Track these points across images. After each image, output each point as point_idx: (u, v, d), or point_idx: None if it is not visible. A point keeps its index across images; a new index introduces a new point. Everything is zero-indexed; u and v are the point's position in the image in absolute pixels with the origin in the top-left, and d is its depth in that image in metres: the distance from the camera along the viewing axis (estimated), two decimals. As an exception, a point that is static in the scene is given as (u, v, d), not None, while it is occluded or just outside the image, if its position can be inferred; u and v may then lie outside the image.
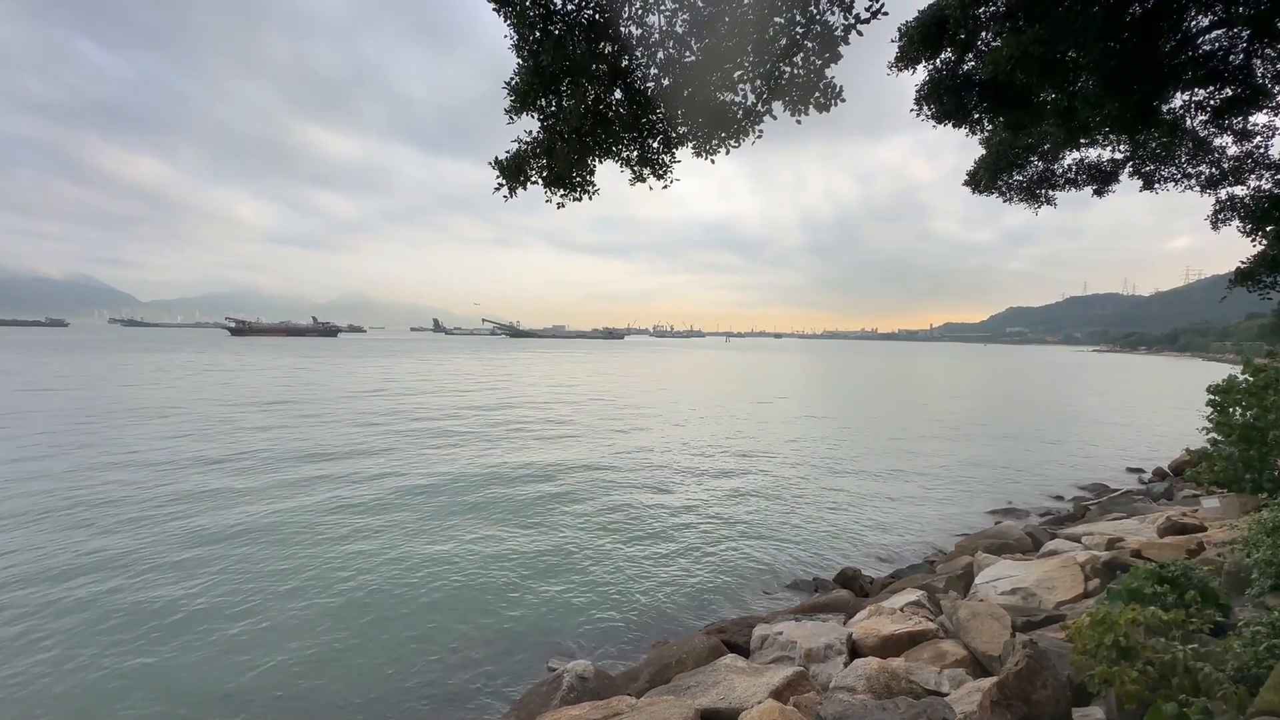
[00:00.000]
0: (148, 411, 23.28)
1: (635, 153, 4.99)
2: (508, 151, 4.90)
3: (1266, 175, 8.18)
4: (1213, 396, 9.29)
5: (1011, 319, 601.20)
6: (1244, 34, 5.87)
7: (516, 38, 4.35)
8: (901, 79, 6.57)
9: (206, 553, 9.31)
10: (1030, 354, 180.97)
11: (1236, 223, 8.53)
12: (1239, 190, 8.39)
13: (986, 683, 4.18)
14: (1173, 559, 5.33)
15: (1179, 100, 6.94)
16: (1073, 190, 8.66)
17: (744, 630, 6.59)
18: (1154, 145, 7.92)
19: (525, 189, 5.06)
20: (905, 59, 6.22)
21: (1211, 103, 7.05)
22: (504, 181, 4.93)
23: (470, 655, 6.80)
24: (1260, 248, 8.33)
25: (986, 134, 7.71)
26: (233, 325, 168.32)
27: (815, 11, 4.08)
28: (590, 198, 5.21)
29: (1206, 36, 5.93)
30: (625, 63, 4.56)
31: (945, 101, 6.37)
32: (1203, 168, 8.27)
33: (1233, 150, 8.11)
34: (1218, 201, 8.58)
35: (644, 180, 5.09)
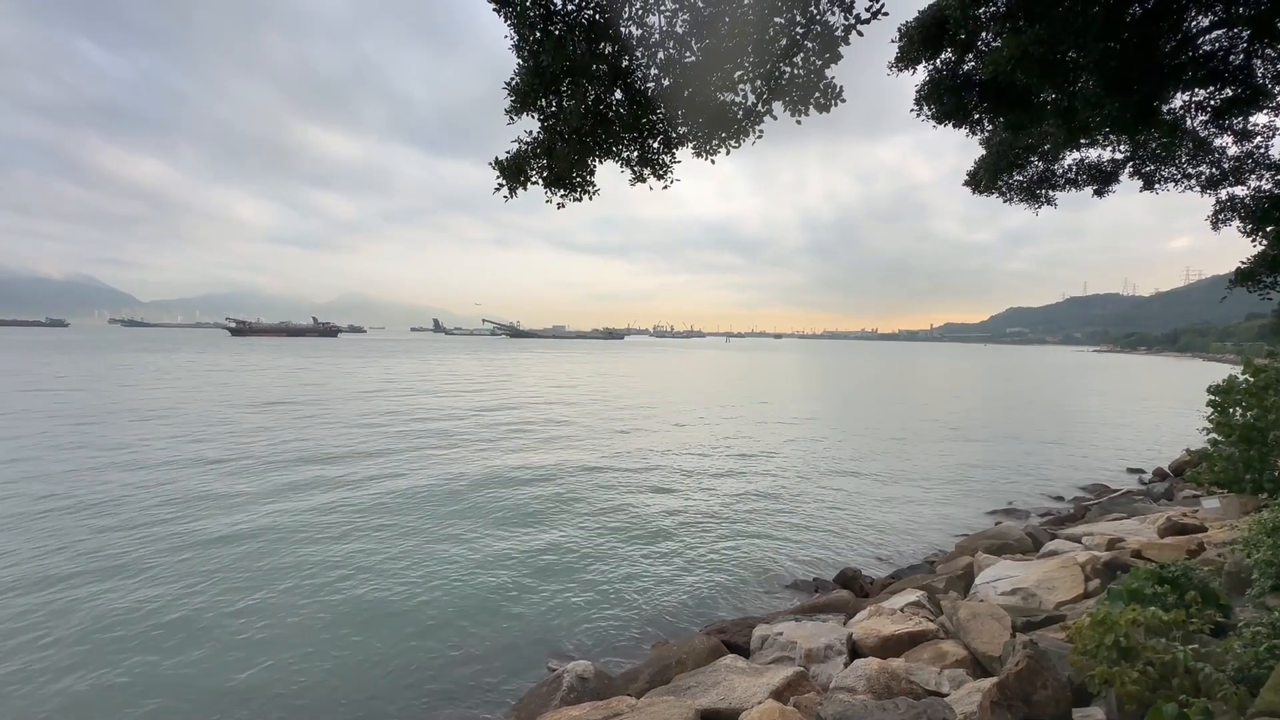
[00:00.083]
0: (148, 412, 23.29)
1: (635, 153, 4.99)
2: (508, 152, 4.90)
3: (1267, 175, 8.18)
4: (1213, 397, 9.29)
5: (1012, 319, 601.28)
6: (1244, 34, 5.87)
7: (517, 38, 4.35)
8: (902, 79, 6.57)
9: (206, 553, 9.31)
10: (1030, 354, 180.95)
11: (1237, 223, 8.53)
12: (1239, 190, 8.40)
13: (987, 683, 4.17)
14: (1173, 559, 5.33)
15: (1179, 100, 6.94)
16: (1073, 190, 8.66)
17: (744, 630, 6.59)
18: (1154, 145, 7.92)
19: (525, 189, 5.06)
20: (905, 59, 6.22)
21: (1212, 103, 7.05)
22: (504, 182, 4.93)
23: (470, 655, 6.80)
24: (1260, 248, 8.33)
25: (987, 134, 7.71)
26: (233, 325, 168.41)
27: (815, 12, 4.08)
28: (590, 198, 5.21)
29: (1207, 37, 5.93)
30: (625, 63, 4.56)
31: (945, 102, 6.37)
32: (1203, 168, 8.27)
33: (1233, 150, 8.11)
34: (1218, 202, 8.58)
35: (644, 180, 5.09)
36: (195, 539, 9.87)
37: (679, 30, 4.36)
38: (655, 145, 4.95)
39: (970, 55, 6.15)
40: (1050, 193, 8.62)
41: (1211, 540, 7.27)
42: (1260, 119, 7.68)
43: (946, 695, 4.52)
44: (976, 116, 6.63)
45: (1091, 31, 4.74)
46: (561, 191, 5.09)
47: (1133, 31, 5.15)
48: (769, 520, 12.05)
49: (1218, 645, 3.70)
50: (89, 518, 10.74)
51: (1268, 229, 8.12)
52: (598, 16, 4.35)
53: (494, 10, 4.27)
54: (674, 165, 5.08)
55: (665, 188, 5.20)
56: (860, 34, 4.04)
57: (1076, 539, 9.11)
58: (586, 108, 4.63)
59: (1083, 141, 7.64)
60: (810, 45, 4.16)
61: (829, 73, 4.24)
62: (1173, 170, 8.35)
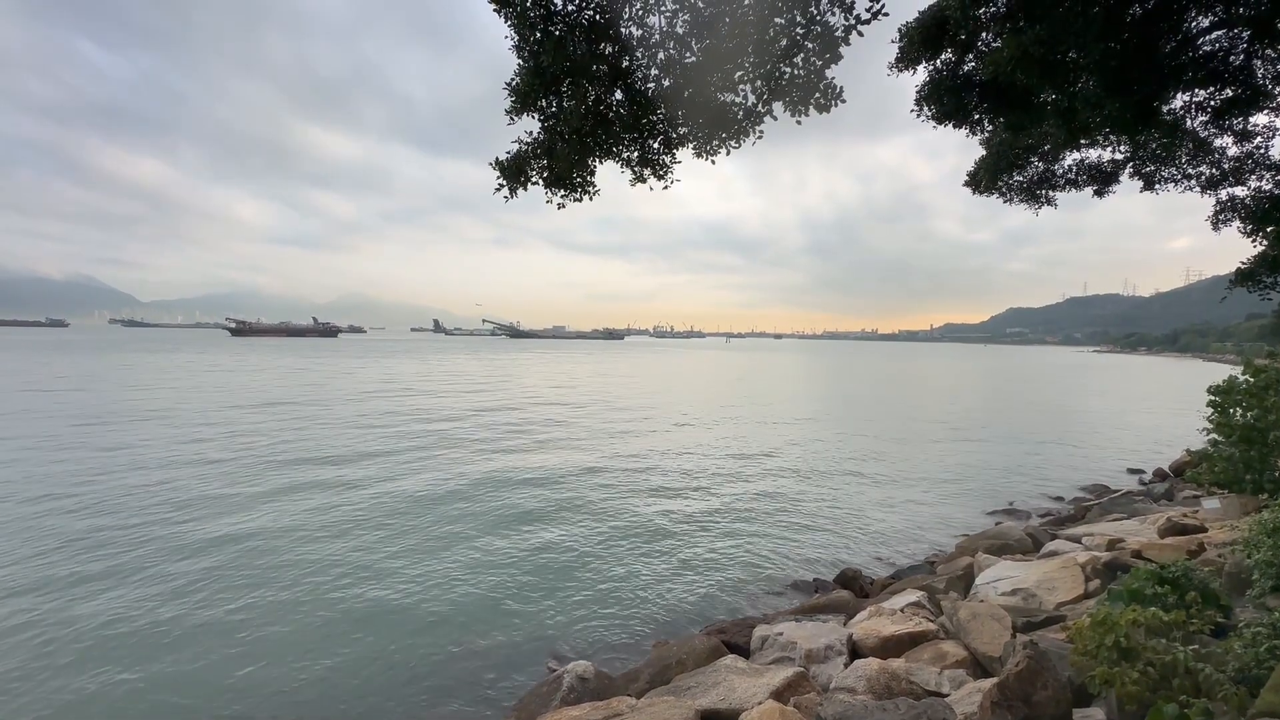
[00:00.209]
0: (148, 412, 23.29)
1: (636, 153, 4.99)
2: (508, 152, 4.91)
3: (1267, 176, 8.18)
4: (1213, 397, 9.28)
5: (1012, 319, 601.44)
6: (1244, 35, 5.87)
7: (517, 38, 4.36)
8: (902, 79, 6.58)
9: (205, 553, 9.31)
10: (1030, 354, 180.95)
11: (1237, 223, 8.54)
12: (1239, 191, 8.40)
13: (987, 683, 4.17)
14: (1173, 560, 5.32)
15: (1179, 101, 6.94)
16: (1073, 191, 8.67)
17: (744, 631, 6.58)
18: (1154, 146, 7.93)
19: (526, 189, 5.06)
20: (905, 59, 6.23)
21: (1212, 103, 7.05)
22: (505, 182, 4.93)
23: (470, 655, 6.80)
24: (1260, 248, 8.34)
25: (987, 135, 7.71)
26: (233, 326, 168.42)
27: (816, 12, 4.08)
28: (591, 198, 5.21)
29: (1207, 37, 5.93)
30: (626, 63, 4.57)
31: (945, 102, 6.38)
32: (1203, 168, 8.28)
33: (1233, 151, 8.12)
34: (1218, 202, 8.59)
35: (644, 181, 5.09)
36: (195, 539, 9.86)
37: (679, 31, 4.36)
38: (655, 145, 4.96)
39: (970, 56, 6.15)
40: (1050, 193, 8.62)
41: (1212, 541, 7.27)
42: (1260, 119, 7.69)
43: (947, 696, 4.52)
44: (977, 117, 6.63)
45: (1092, 32, 4.74)
46: (562, 192, 5.10)
47: (1133, 32, 5.15)
48: (769, 520, 12.05)
49: (1218, 646, 3.70)
50: (89, 518, 10.74)
51: (1268, 229, 8.13)
52: (598, 17, 4.36)
53: (494, 10, 4.28)
54: (674, 165, 5.08)
55: (665, 188, 5.20)
56: (860, 34, 4.05)
57: (1077, 539, 9.11)
58: (587, 108, 4.63)
59: (1083, 142, 7.65)
60: (810, 45, 4.17)
61: (829, 73, 4.24)
62: (1173, 171, 8.36)
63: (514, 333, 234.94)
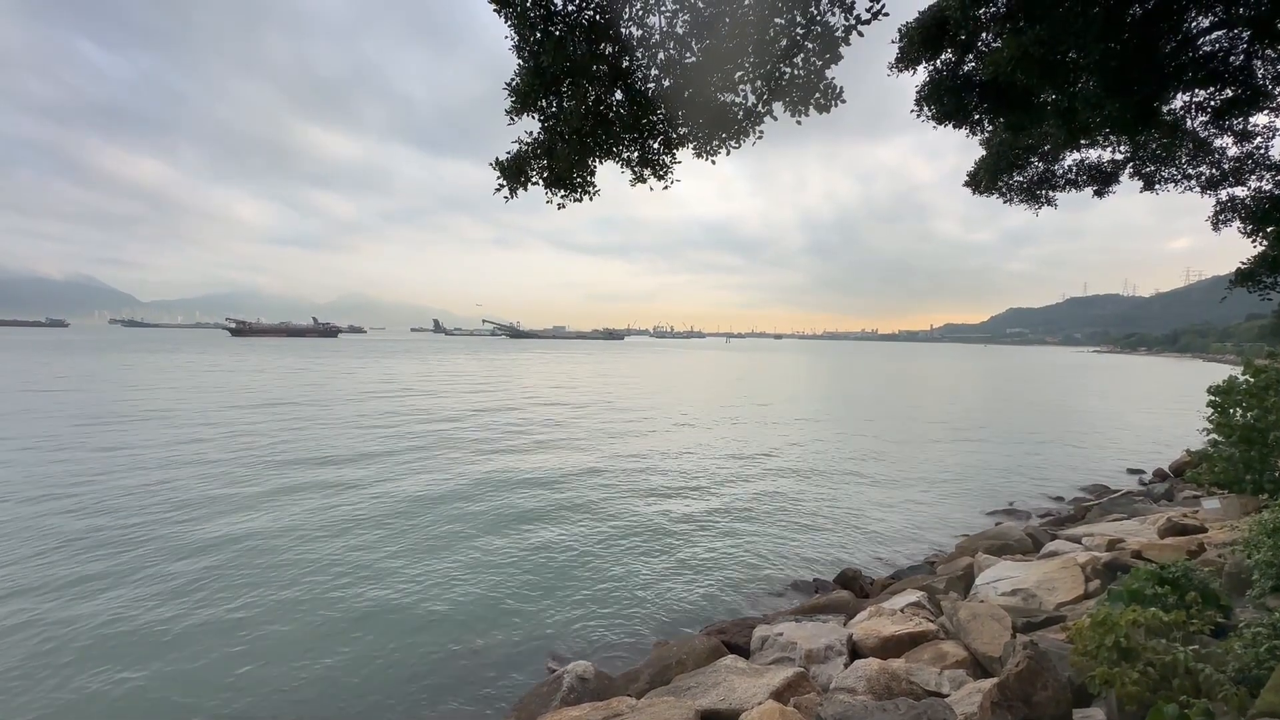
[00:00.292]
0: (148, 413, 23.29)
1: (636, 153, 4.99)
2: (508, 152, 4.91)
3: (1267, 176, 8.18)
4: (1213, 397, 9.28)
5: (1012, 320, 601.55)
6: (1244, 35, 5.87)
7: (517, 38, 4.36)
8: (902, 80, 6.58)
9: (205, 553, 9.31)
10: (1030, 355, 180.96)
11: (1237, 223, 8.54)
12: (1239, 191, 8.41)
13: (987, 684, 4.17)
14: (1173, 560, 5.32)
15: (1179, 101, 6.95)
16: (1073, 191, 8.67)
17: (744, 631, 6.58)
18: (1154, 146, 7.93)
19: (526, 190, 5.06)
20: (906, 60, 6.23)
21: (1212, 104, 7.06)
22: (505, 182, 4.93)
23: (470, 655, 6.80)
24: (1260, 248, 8.34)
25: (987, 135, 7.72)
26: (233, 326, 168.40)
27: (816, 12, 4.09)
28: (591, 198, 5.21)
29: (1207, 37, 5.94)
30: (626, 64, 4.57)
31: (946, 102, 6.38)
32: (1203, 168, 8.28)
33: (1233, 151, 8.12)
34: (1218, 202, 8.59)
35: (644, 181, 5.09)
36: (195, 538, 9.86)
37: (679, 31, 4.36)
38: (655, 146, 4.96)
39: (970, 56, 6.16)
40: (1050, 193, 8.62)
41: (1212, 541, 7.27)
42: (1260, 120, 7.70)
43: (947, 696, 4.52)
44: (977, 117, 6.63)
45: (1092, 32, 4.75)
46: (562, 192, 5.10)
47: (1133, 32, 5.15)
48: (769, 520, 12.05)
49: (1218, 646, 3.69)
50: (88, 517, 10.74)
51: (1268, 229, 8.13)
52: (598, 17, 4.36)
53: (494, 10, 4.28)
54: (674, 166, 5.08)
55: (665, 188, 5.20)
56: (860, 34, 4.05)
57: (1077, 539, 9.11)
58: (587, 108, 4.63)
59: (1083, 142, 7.65)
60: (810, 46, 4.17)
61: (829, 73, 4.25)
62: (1173, 171, 8.36)
63: (514, 333, 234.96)
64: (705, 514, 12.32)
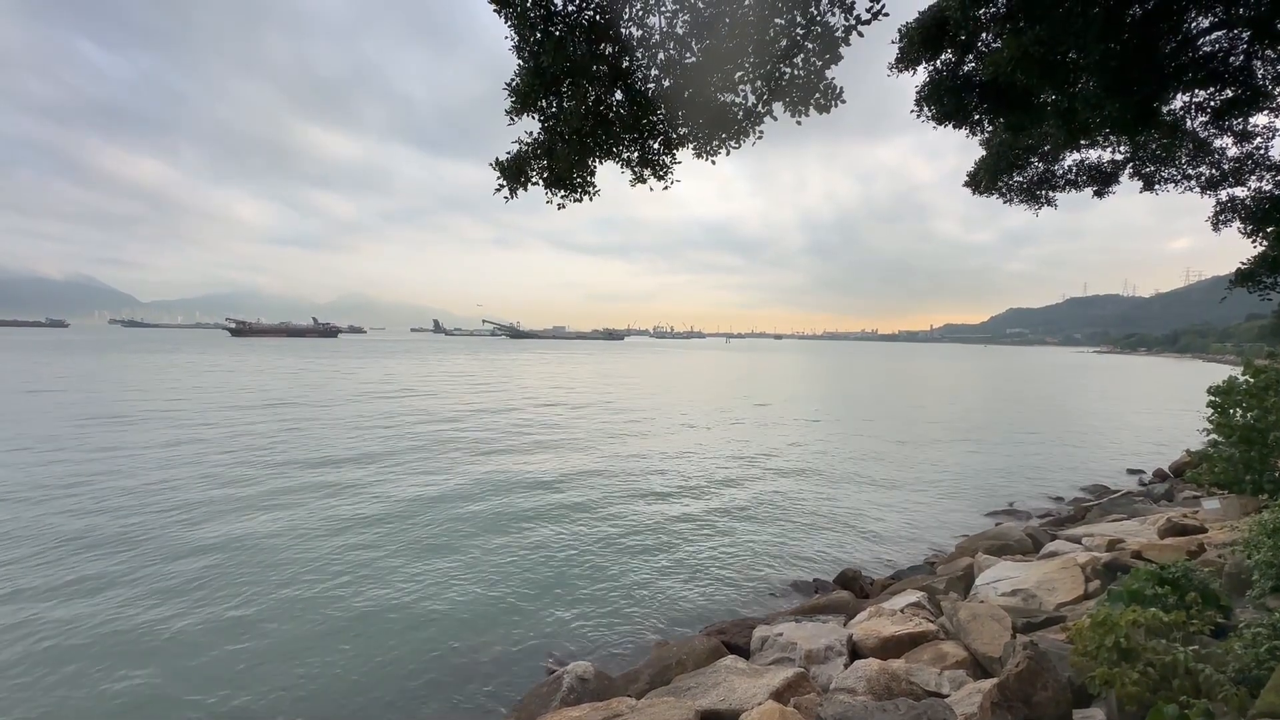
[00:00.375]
0: (147, 413, 23.29)
1: (636, 154, 4.99)
2: (508, 152, 4.91)
3: (1267, 176, 8.19)
4: (1213, 398, 9.29)
5: (1012, 320, 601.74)
6: (1244, 35, 5.88)
7: (517, 39, 4.36)
8: (902, 80, 6.58)
9: (205, 556, 9.30)
10: (1030, 355, 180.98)
11: (1237, 224, 8.54)
12: (1239, 191, 8.41)
13: (987, 684, 4.17)
14: (1173, 560, 5.32)
15: (1179, 101, 6.95)
16: (1073, 191, 8.67)
17: (744, 631, 6.58)
18: (1154, 146, 7.93)
19: (526, 190, 5.06)
20: (906, 60, 6.23)
21: (1212, 104, 7.06)
22: (505, 182, 4.93)
23: (470, 656, 6.80)
24: (1260, 249, 8.34)
25: (987, 135, 7.72)
26: (233, 326, 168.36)
27: (816, 13, 4.09)
28: (591, 198, 5.21)
29: (1207, 38, 5.94)
30: (626, 64, 4.57)
31: (946, 103, 6.38)
32: (1203, 169, 8.29)
33: (1233, 151, 8.13)
34: (1218, 203, 8.59)
35: (644, 181, 5.09)
36: (194, 539, 9.86)
37: (679, 31, 4.36)
38: (655, 146, 4.96)
39: (970, 56, 6.16)
40: (1050, 193, 8.63)
41: (1212, 541, 7.27)
42: (1260, 120, 7.70)
43: (947, 696, 4.52)
44: (977, 117, 6.63)
45: (1092, 32, 4.75)
46: (562, 192, 5.10)
47: (1133, 32, 5.15)
48: (769, 521, 12.05)
49: (1218, 646, 3.69)
50: (88, 518, 10.73)
51: (1268, 230, 8.13)
52: (598, 17, 4.36)
53: (494, 11, 4.28)
54: (674, 166, 5.08)
55: (665, 188, 5.20)
56: (860, 35, 4.05)
57: (1076, 540, 9.11)
58: (587, 108, 4.63)
59: (1083, 142, 7.65)
60: (810, 46, 4.17)
61: (829, 73, 4.25)
62: (1173, 171, 8.36)
63: (514, 333, 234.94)
64: (705, 514, 12.32)
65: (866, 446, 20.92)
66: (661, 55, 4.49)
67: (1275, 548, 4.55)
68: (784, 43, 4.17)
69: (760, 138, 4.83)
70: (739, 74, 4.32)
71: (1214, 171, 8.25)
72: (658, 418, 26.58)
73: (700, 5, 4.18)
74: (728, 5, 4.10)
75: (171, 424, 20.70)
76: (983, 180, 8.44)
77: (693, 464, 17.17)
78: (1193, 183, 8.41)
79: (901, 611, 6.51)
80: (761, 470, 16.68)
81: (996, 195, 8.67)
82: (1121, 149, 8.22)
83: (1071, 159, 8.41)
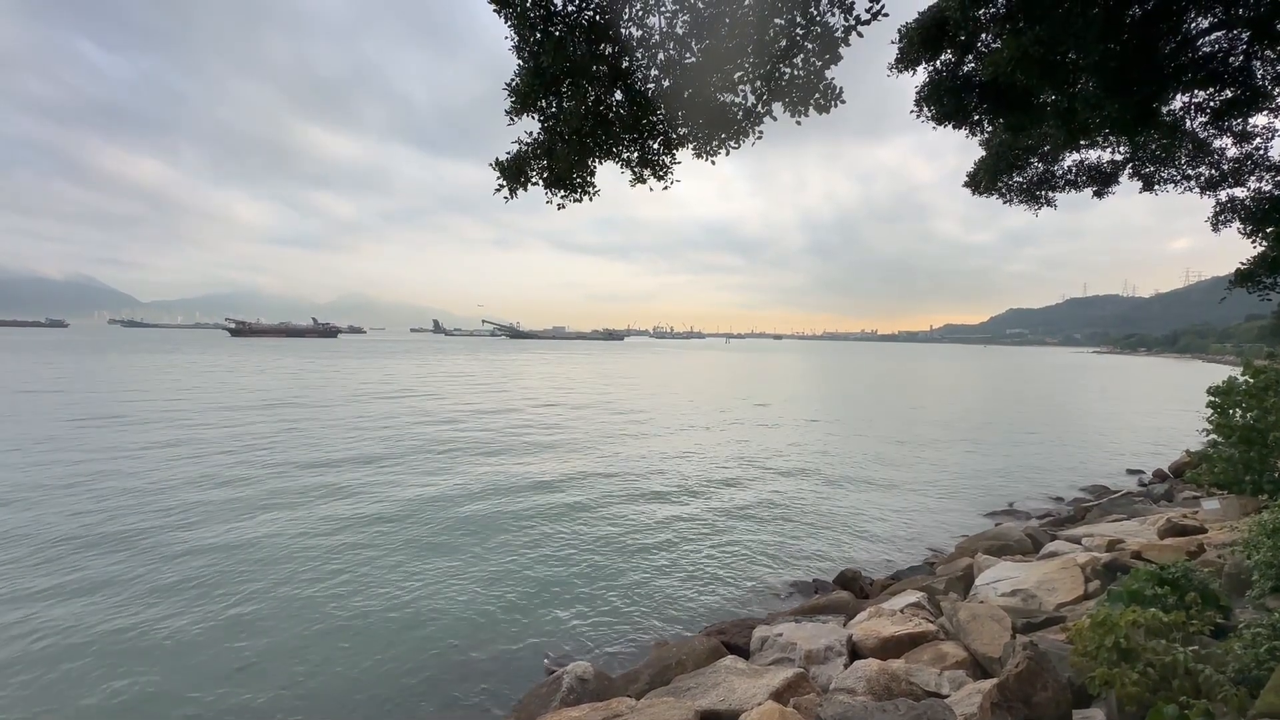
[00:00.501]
0: (146, 414, 23.28)
1: (635, 154, 4.99)
2: (508, 153, 4.91)
3: (1266, 177, 8.19)
4: (1213, 398, 9.29)
5: (1011, 320, 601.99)
6: (1243, 36, 5.88)
7: (517, 39, 4.36)
8: (902, 80, 6.58)
9: (204, 558, 9.29)
10: (1030, 355, 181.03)
11: (1237, 224, 8.54)
12: (1239, 192, 8.41)
13: (987, 684, 4.17)
14: (1173, 561, 5.32)
15: (1179, 102, 6.95)
16: (1073, 191, 8.67)
17: (744, 631, 6.58)
18: (1154, 147, 7.93)
19: (526, 190, 5.06)
20: (905, 60, 6.23)
21: (1211, 104, 7.06)
22: (504, 183, 4.93)
23: (469, 656, 6.79)
24: (1260, 249, 8.34)
25: (986, 135, 7.72)
26: (232, 326, 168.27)
27: (815, 13, 4.09)
28: (590, 199, 5.21)
29: (1206, 38, 5.94)
30: (625, 64, 4.57)
31: (945, 103, 6.38)
32: (1203, 169, 8.29)
33: (1232, 152, 8.13)
34: (1218, 203, 8.59)
35: (644, 181, 5.09)
36: (194, 540, 9.86)
37: (679, 31, 4.36)
38: (655, 146, 4.96)
39: (970, 56, 6.16)
40: (1050, 194, 8.63)
41: (1211, 541, 7.27)
42: (1259, 120, 7.71)
43: (947, 697, 4.52)
44: (976, 118, 6.63)
45: (1091, 33, 4.75)
46: (562, 192, 5.10)
47: (1132, 33, 5.16)
48: (769, 521, 12.05)
49: (1218, 647, 3.69)
50: (87, 518, 10.72)
51: (1267, 230, 8.13)
52: (598, 17, 4.36)
53: (494, 11, 4.28)
54: (674, 166, 5.08)
55: (665, 188, 5.20)
56: (860, 35, 4.05)
57: (1076, 540, 9.11)
58: (587, 109, 4.63)
59: (1082, 143, 7.65)
60: (810, 46, 4.17)
61: (829, 73, 4.25)
62: (1172, 171, 8.37)
63: (514, 333, 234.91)
64: (705, 514, 12.31)
65: (866, 446, 20.92)
66: (661, 55, 4.49)
67: (1275, 548, 4.55)
68: (784, 43, 4.17)
69: (760, 138, 4.83)
70: (739, 74, 4.32)
71: (1213, 172, 8.25)
72: (657, 418, 26.58)
73: (700, 5, 4.18)
74: (727, 5, 4.10)
75: (171, 424, 20.70)
76: (983, 180, 8.44)
77: (692, 464, 17.16)
78: (1192, 183, 8.41)
79: (901, 612, 6.51)
80: (761, 470, 16.68)
81: (996, 195, 8.67)
82: (1121, 149, 8.22)
83: (1071, 159, 8.41)
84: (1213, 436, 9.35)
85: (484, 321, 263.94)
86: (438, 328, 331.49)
